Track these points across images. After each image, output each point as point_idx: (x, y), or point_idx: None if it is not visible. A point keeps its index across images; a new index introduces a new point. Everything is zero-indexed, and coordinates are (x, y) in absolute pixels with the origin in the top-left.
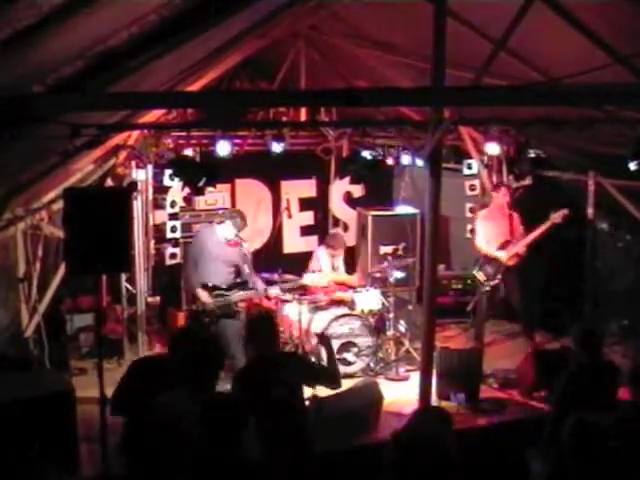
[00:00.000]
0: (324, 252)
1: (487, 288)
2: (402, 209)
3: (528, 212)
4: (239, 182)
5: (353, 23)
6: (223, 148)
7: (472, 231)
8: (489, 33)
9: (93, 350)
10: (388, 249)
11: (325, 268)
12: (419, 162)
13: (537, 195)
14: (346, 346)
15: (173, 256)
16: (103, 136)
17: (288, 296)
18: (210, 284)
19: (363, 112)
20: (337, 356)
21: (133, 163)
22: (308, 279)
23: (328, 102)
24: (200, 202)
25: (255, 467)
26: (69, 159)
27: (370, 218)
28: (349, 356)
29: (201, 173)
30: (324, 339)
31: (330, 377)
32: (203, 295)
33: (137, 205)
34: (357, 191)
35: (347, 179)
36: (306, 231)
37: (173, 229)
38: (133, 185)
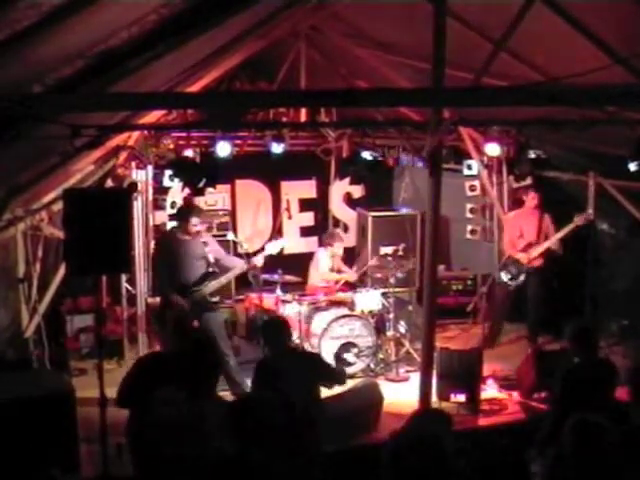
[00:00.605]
0: (324, 253)
1: (511, 288)
2: (402, 210)
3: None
4: (239, 183)
5: (353, 23)
6: (223, 149)
7: (472, 232)
8: (489, 33)
9: (93, 351)
10: (388, 250)
11: (325, 269)
12: (419, 163)
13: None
14: (346, 347)
15: None
16: (103, 137)
17: (288, 296)
18: (184, 284)
19: (363, 113)
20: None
21: (133, 164)
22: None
23: (327, 102)
24: (200, 203)
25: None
26: (69, 160)
27: (370, 219)
28: (349, 357)
29: (201, 174)
30: None
31: (342, 378)
32: (179, 299)
33: (137, 206)
34: (357, 192)
35: (347, 180)
36: (306, 232)
37: None
38: (133, 186)
